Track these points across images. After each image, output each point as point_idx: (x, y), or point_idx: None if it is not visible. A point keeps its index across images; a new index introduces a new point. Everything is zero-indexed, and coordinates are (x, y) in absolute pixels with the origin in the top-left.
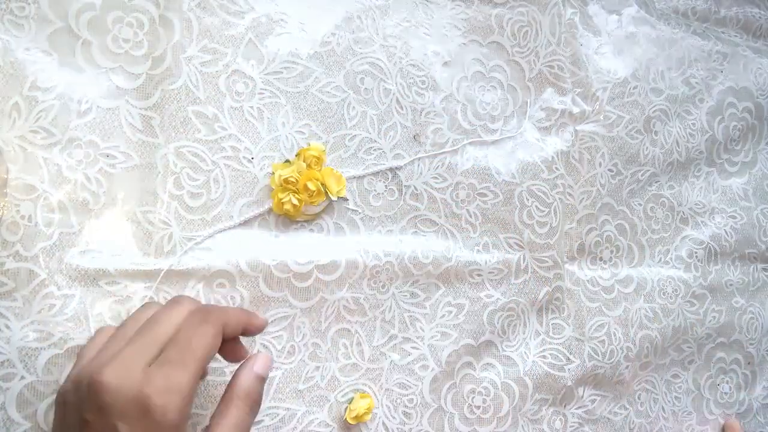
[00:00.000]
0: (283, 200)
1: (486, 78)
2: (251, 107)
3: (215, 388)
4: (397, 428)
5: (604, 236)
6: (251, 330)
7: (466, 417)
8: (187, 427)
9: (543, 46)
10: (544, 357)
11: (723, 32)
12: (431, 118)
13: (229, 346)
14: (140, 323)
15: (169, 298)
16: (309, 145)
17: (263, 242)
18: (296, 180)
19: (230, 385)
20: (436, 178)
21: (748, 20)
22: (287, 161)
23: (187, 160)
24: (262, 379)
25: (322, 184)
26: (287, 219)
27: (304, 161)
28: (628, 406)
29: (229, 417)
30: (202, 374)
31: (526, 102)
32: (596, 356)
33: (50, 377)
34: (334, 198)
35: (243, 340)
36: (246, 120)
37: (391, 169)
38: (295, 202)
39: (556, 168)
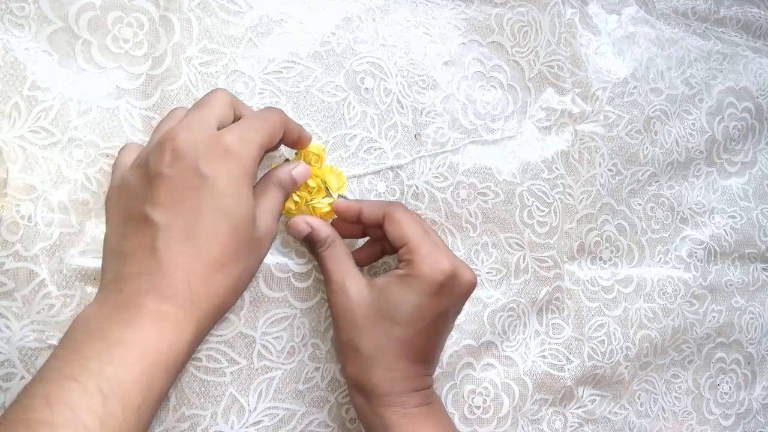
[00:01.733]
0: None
1: (486, 78)
2: (251, 107)
3: (215, 389)
4: None
5: (604, 236)
6: (303, 138)
7: (466, 417)
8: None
9: (543, 46)
10: (544, 357)
11: (723, 32)
12: (432, 117)
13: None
14: None
15: None
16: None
17: None
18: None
19: (267, 175)
20: (437, 177)
21: (748, 20)
22: (287, 160)
23: None
24: (294, 181)
25: (323, 181)
26: (287, 219)
27: (304, 159)
28: (627, 406)
29: (270, 196)
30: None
31: (526, 102)
32: (596, 356)
33: None
34: (334, 195)
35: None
36: None
37: (392, 169)
38: (297, 199)
39: (556, 168)
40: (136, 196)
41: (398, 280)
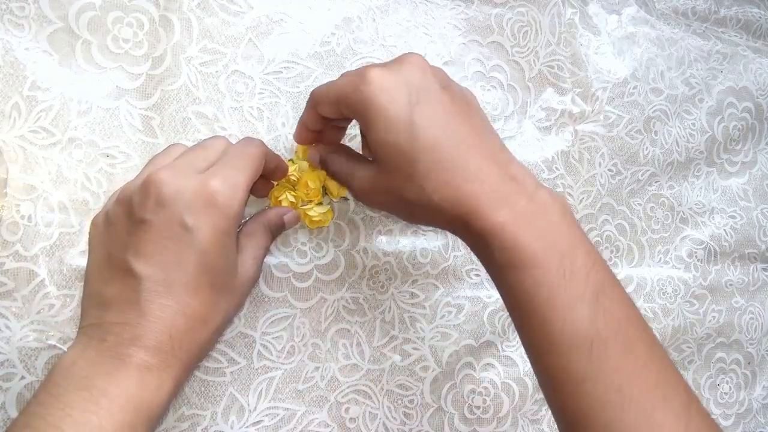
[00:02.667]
0: (279, 198)
1: (486, 78)
2: (251, 107)
3: (215, 389)
4: (398, 429)
5: (604, 236)
6: (280, 169)
7: (466, 417)
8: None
9: (543, 46)
10: None
11: (723, 32)
12: None
13: (260, 182)
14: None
15: None
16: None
17: None
18: (297, 178)
19: (257, 215)
20: None
21: (748, 20)
22: (290, 160)
23: None
24: (283, 225)
25: (323, 186)
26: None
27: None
28: None
29: (257, 240)
30: (269, 188)
31: (526, 102)
32: None
33: None
34: (335, 200)
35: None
36: (246, 120)
37: None
38: (292, 199)
39: (556, 168)
40: (120, 240)
41: (366, 133)
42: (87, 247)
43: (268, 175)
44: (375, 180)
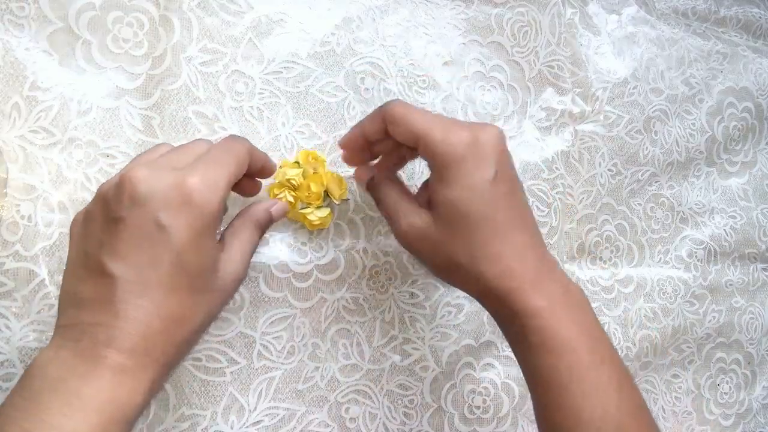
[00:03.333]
0: (279, 196)
1: (486, 78)
2: (251, 107)
3: (215, 388)
4: (398, 429)
5: (604, 236)
6: (267, 168)
7: (466, 417)
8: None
9: (543, 46)
10: None
11: (723, 32)
12: None
13: (247, 181)
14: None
15: None
16: (312, 151)
17: (263, 242)
18: (298, 184)
19: (244, 212)
20: None
21: (748, 20)
22: (296, 162)
23: None
24: (271, 218)
25: (325, 191)
26: (287, 219)
27: (305, 163)
28: None
29: (243, 236)
30: (224, 209)
31: (526, 102)
32: None
33: None
34: (336, 202)
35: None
36: (246, 120)
37: None
38: (290, 199)
39: (556, 168)
40: (95, 238)
41: (438, 182)
42: None
43: (255, 174)
44: (426, 230)
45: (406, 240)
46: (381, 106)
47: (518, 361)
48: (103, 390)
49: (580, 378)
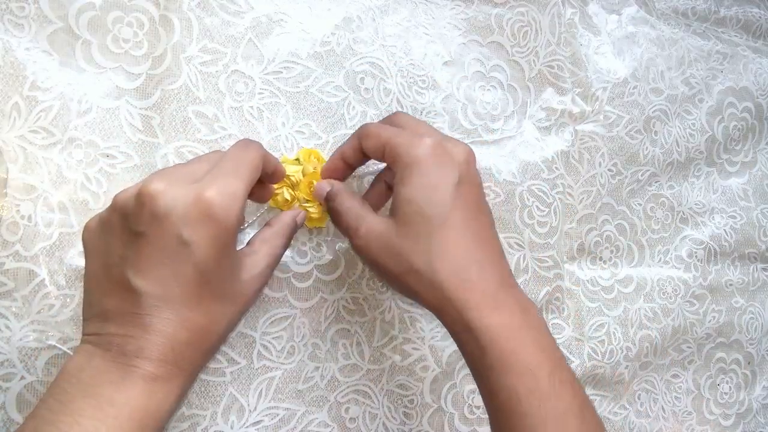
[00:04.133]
0: (276, 191)
1: (486, 78)
2: (251, 107)
3: (215, 388)
4: (398, 429)
5: (604, 236)
6: (278, 172)
7: (466, 417)
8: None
9: (543, 46)
10: None
11: (723, 32)
12: (432, 117)
13: (259, 188)
14: None
15: None
16: (313, 149)
17: None
18: (297, 181)
19: (275, 220)
20: None
21: (748, 20)
22: (297, 159)
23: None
24: (296, 227)
25: None
26: None
27: (304, 161)
28: (628, 406)
29: (271, 243)
30: (270, 194)
31: (526, 102)
32: (596, 356)
33: (50, 377)
34: None
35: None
36: (246, 120)
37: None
38: (287, 196)
39: (556, 168)
40: (117, 251)
41: (400, 183)
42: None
43: (266, 179)
44: (386, 235)
45: (366, 246)
46: (364, 131)
47: (475, 380)
48: (135, 398)
49: (540, 403)
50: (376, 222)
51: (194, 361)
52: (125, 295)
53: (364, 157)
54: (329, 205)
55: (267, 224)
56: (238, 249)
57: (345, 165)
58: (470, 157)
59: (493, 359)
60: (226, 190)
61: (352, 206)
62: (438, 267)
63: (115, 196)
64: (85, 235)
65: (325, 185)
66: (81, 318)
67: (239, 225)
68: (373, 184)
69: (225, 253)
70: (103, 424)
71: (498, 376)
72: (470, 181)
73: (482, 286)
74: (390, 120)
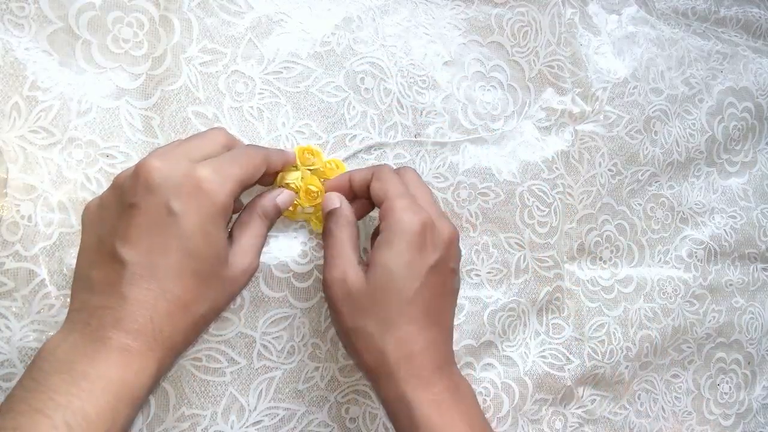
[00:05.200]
0: (286, 181)
1: (486, 78)
2: (251, 107)
3: (215, 388)
4: None
5: (604, 236)
6: (288, 164)
7: None
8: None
9: (543, 46)
10: (544, 357)
11: (723, 32)
12: (432, 117)
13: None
14: None
15: None
16: (307, 146)
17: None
18: (297, 188)
19: (250, 204)
20: (437, 177)
21: (748, 20)
22: (294, 167)
23: None
24: (278, 209)
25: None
26: (287, 219)
27: (301, 161)
28: (628, 406)
29: (251, 228)
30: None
31: (526, 102)
32: (596, 356)
33: None
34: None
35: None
36: (246, 120)
37: None
38: (290, 181)
39: (556, 168)
40: (109, 224)
41: (382, 245)
42: None
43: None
44: (354, 289)
45: (332, 288)
46: (376, 165)
47: None
48: (110, 370)
49: None
50: (354, 271)
51: (172, 335)
52: (111, 265)
53: (366, 195)
54: (327, 222)
55: (244, 208)
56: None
57: (349, 189)
58: (454, 239)
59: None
60: (219, 171)
61: (344, 241)
62: (388, 336)
63: (116, 176)
64: (84, 214)
65: (335, 201)
66: (69, 301)
67: (228, 206)
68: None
69: (210, 229)
70: (76, 398)
71: None
72: (445, 264)
73: (424, 365)
74: (402, 172)
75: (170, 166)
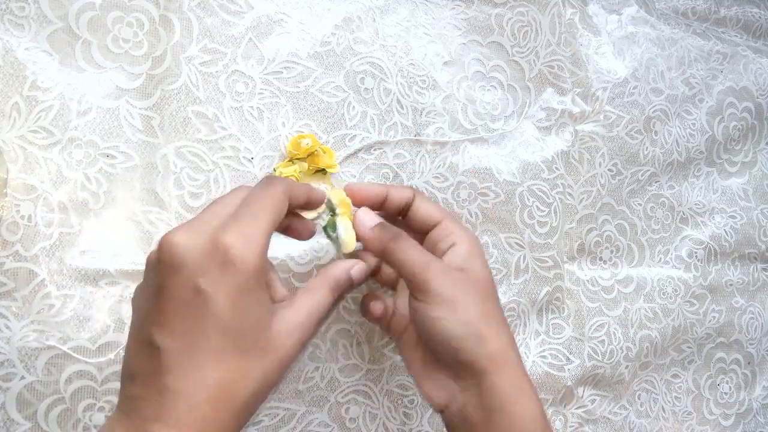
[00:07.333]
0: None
1: (486, 78)
2: (251, 107)
3: None
4: (398, 429)
5: (604, 236)
6: (313, 200)
7: None
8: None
9: (543, 46)
10: (544, 357)
11: (723, 32)
12: (432, 117)
13: (296, 223)
14: None
15: None
16: (301, 135)
17: None
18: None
19: (323, 271)
20: (437, 177)
21: (748, 20)
22: (290, 160)
23: (188, 160)
24: (352, 281)
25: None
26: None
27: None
28: (628, 406)
29: (314, 295)
30: (310, 231)
31: (526, 102)
32: (596, 356)
33: (50, 377)
34: (334, 172)
35: None
36: (246, 120)
37: (392, 168)
38: (291, 172)
39: (556, 168)
40: (145, 308)
41: (464, 254)
42: (87, 249)
43: (306, 207)
44: (469, 272)
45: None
46: (409, 187)
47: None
48: None
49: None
50: (447, 266)
51: (220, 422)
52: (149, 353)
53: (396, 215)
54: (389, 248)
55: (317, 274)
56: (279, 300)
57: (382, 204)
58: (489, 277)
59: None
60: (243, 233)
61: (415, 245)
62: (503, 325)
63: (147, 256)
64: (133, 298)
65: (374, 219)
66: (81, 318)
67: (261, 269)
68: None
69: (246, 300)
70: None
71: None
72: (491, 289)
73: (508, 342)
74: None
75: (193, 239)
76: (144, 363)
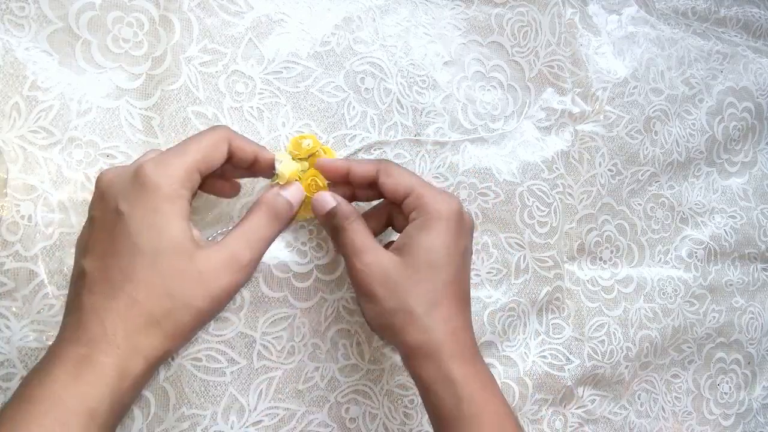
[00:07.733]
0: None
1: (486, 78)
2: (251, 107)
3: (215, 388)
4: (398, 429)
5: (604, 236)
6: (261, 162)
7: None
8: (185, 208)
9: (543, 46)
10: (544, 357)
11: (723, 32)
12: (432, 117)
13: (220, 181)
14: None
15: None
16: (302, 135)
17: None
18: (299, 178)
19: (257, 200)
20: (437, 177)
21: (748, 20)
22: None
23: None
24: (288, 202)
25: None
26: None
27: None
28: (628, 406)
29: (246, 222)
30: (234, 190)
31: (526, 102)
32: (596, 356)
33: None
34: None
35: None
36: (246, 120)
37: None
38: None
39: (556, 168)
40: (80, 243)
41: (420, 229)
42: None
43: (246, 168)
44: (390, 271)
45: (365, 272)
46: (378, 159)
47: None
48: (57, 387)
49: None
50: (383, 254)
51: (131, 337)
52: (77, 281)
53: (370, 190)
54: (331, 221)
55: (253, 205)
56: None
57: (344, 178)
58: (473, 227)
59: (471, 411)
60: (163, 162)
61: (362, 230)
62: (434, 313)
63: None
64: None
65: (330, 200)
66: None
67: (176, 195)
68: (372, 214)
69: (158, 221)
70: (41, 428)
71: (472, 428)
72: (470, 250)
73: (466, 341)
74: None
75: (120, 170)
76: (74, 290)
